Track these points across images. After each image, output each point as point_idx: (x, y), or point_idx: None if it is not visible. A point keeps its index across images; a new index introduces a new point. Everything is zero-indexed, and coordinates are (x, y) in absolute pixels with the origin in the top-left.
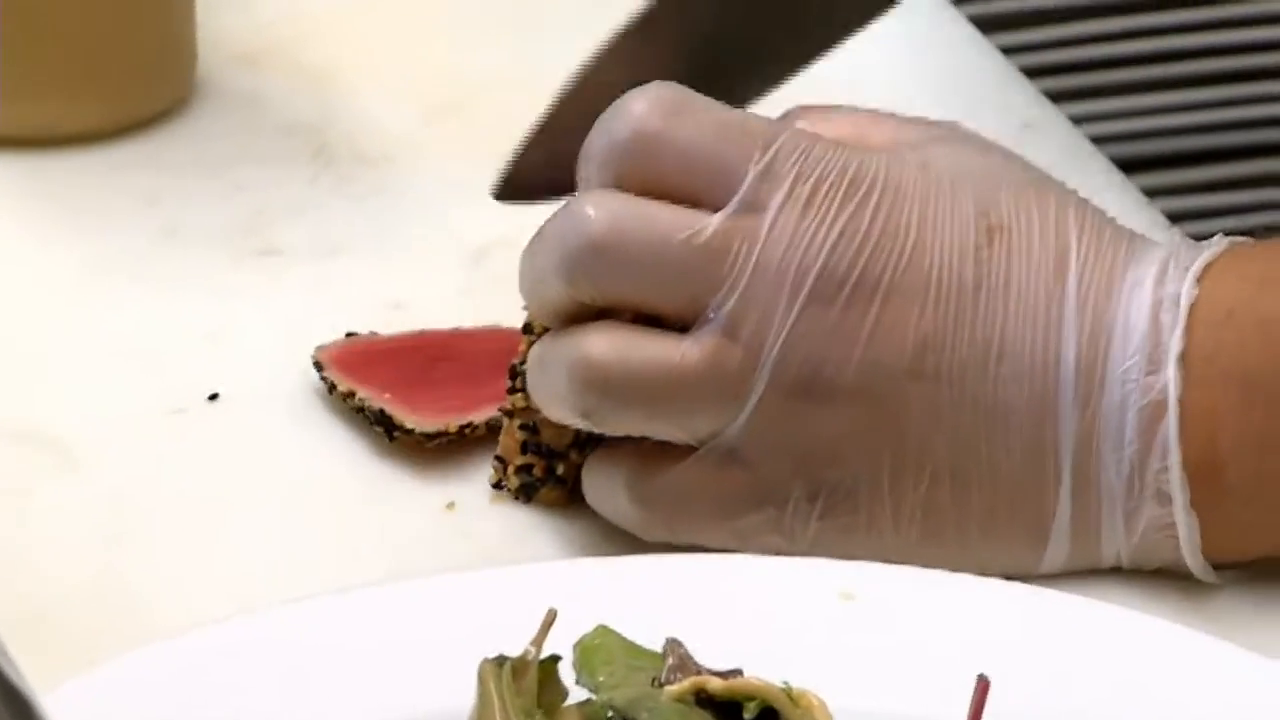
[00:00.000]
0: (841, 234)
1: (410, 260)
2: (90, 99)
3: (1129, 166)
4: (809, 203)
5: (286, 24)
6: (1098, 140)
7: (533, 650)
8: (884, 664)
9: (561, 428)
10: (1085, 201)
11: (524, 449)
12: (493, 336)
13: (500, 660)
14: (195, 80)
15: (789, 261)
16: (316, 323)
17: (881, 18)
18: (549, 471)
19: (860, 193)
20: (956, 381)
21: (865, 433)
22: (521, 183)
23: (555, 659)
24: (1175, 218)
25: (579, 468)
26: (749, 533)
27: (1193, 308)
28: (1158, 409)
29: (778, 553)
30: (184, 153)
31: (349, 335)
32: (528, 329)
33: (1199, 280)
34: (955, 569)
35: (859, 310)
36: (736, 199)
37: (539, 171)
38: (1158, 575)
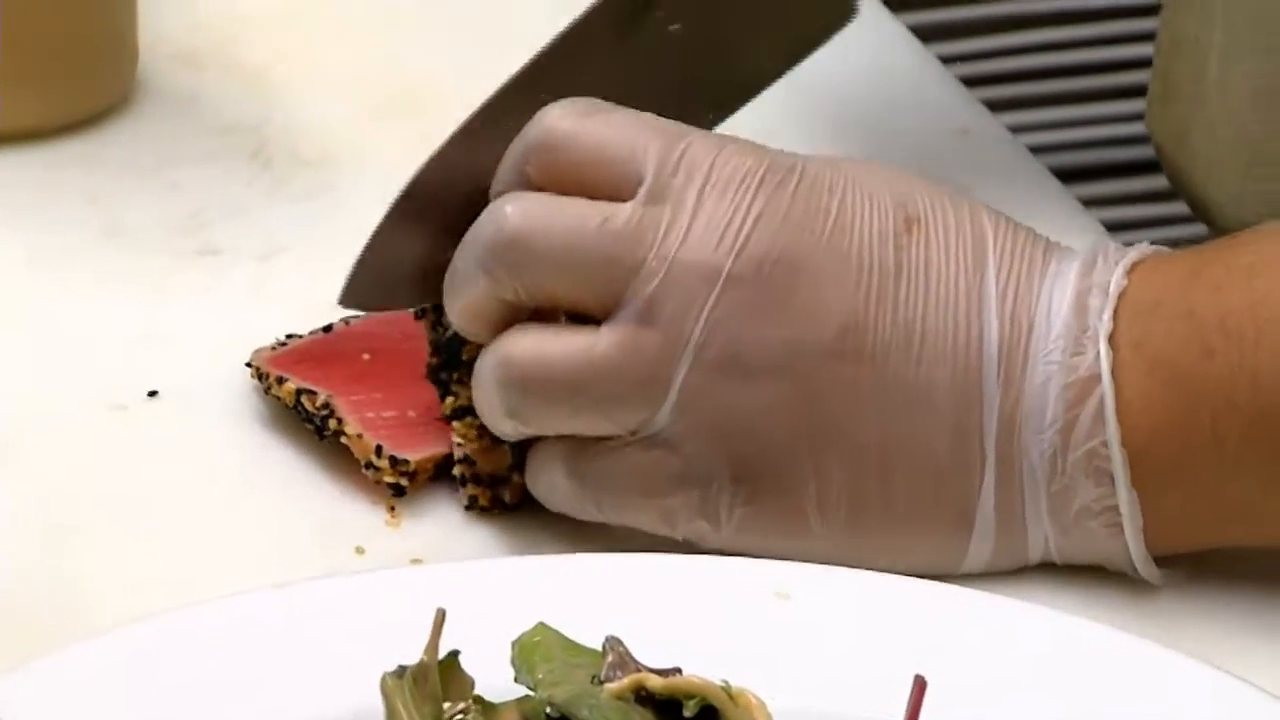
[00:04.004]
0: (760, 216)
1: (348, 260)
2: (30, 97)
3: (1065, 176)
4: (726, 188)
5: (226, 24)
6: (1035, 150)
7: (427, 656)
8: (821, 663)
9: (498, 452)
10: (997, 210)
11: (463, 480)
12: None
13: (400, 671)
14: (135, 79)
15: (708, 244)
16: (255, 322)
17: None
18: (495, 499)
19: (778, 179)
20: (879, 362)
21: (789, 413)
22: (368, 289)
23: (455, 654)
24: (1111, 227)
25: (523, 486)
26: (674, 514)
27: (1121, 296)
28: (1083, 388)
29: (703, 538)
30: (124, 151)
31: (288, 337)
32: (419, 314)
33: (1128, 273)
34: (880, 560)
35: (780, 290)
36: (646, 184)
37: (386, 277)
38: (1098, 578)
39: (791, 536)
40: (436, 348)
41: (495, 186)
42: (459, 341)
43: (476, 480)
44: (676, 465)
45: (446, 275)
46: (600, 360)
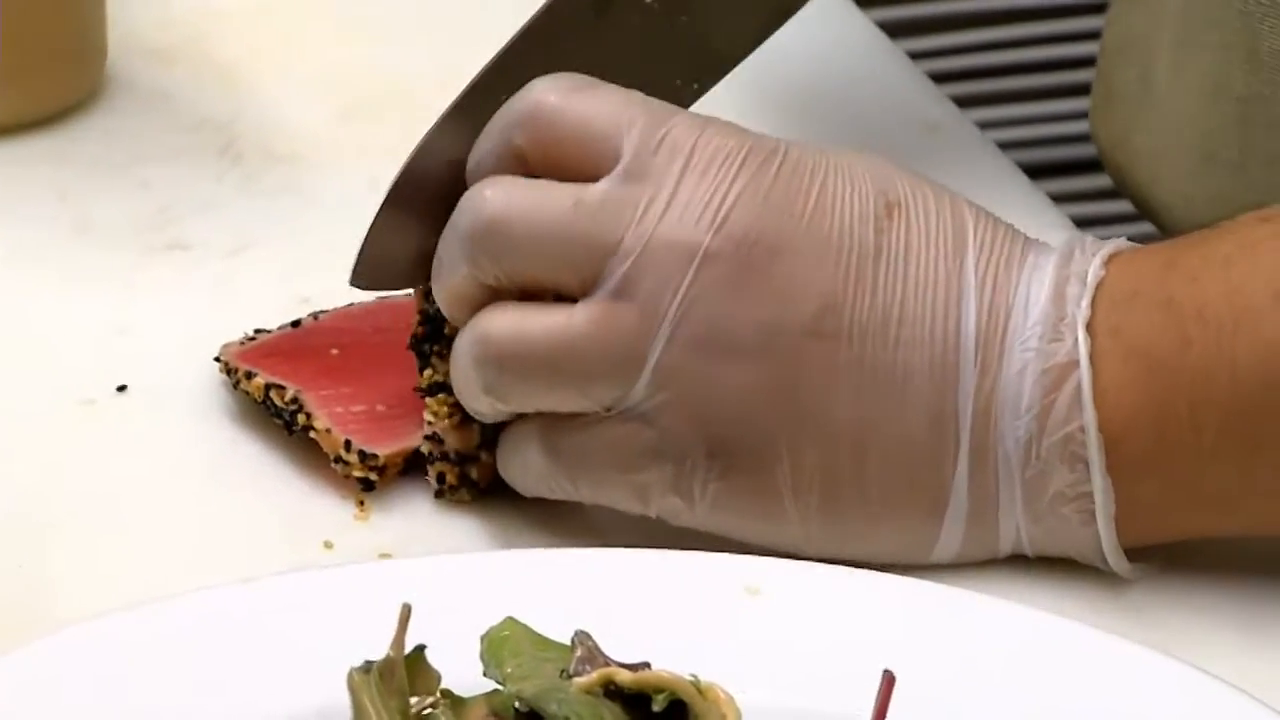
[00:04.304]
0: (741, 196)
1: (317, 257)
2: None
3: (1035, 172)
4: (707, 168)
5: (197, 19)
6: (1004, 145)
7: (393, 651)
8: (790, 658)
9: (467, 431)
10: (977, 204)
11: (431, 458)
12: (381, 310)
13: (367, 666)
14: (105, 75)
15: (687, 221)
16: (224, 317)
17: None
18: (463, 477)
19: (760, 160)
20: (857, 343)
21: (765, 391)
22: (377, 270)
23: (421, 649)
24: (1081, 223)
25: (492, 467)
26: (648, 490)
27: (1099, 286)
28: (1060, 374)
29: (676, 515)
30: (93, 147)
31: (257, 332)
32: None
33: (1105, 264)
34: (852, 545)
35: (759, 269)
36: (625, 162)
37: (396, 257)
38: (1068, 574)
39: (765, 518)
40: (425, 318)
41: (476, 153)
42: (445, 316)
43: (445, 458)
44: (651, 439)
45: (434, 260)
46: (576, 336)
